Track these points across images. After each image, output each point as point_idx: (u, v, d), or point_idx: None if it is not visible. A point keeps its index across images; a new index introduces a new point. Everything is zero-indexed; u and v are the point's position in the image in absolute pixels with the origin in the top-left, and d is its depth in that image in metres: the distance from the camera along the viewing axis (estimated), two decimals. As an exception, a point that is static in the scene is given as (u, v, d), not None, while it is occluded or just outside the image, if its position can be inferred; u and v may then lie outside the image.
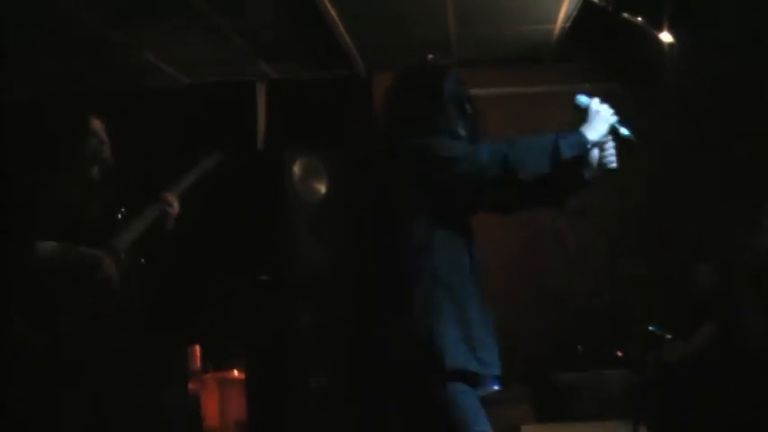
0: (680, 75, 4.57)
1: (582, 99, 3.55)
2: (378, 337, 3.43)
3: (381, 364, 3.43)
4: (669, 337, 5.74)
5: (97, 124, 4.93)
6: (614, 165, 3.48)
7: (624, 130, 3.52)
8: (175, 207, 5.06)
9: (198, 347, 7.07)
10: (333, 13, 5.86)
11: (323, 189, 6.72)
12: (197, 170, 5.19)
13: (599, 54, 4.78)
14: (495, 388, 3.47)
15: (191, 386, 6.87)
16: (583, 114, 3.50)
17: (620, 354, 6.38)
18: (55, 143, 4.92)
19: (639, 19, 4.46)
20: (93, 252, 4.70)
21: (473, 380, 3.33)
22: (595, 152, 3.46)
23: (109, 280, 4.72)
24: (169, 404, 6.48)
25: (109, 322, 4.73)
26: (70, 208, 4.75)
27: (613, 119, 3.47)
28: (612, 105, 3.54)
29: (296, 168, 6.62)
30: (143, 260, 4.99)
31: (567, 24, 5.61)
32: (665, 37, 4.45)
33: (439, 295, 3.29)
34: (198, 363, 7.06)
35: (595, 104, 3.49)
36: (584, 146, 3.39)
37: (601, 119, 3.45)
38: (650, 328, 5.51)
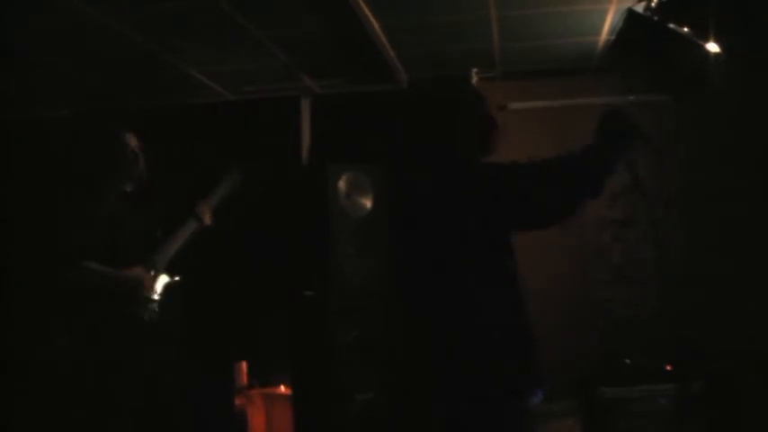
0: (727, 85, 4.51)
1: None
2: (427, 354, 3.41)
3: (432, 380, 3.41)
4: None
5: (133, 141, 4.98)
6: None
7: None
8: (208, 218, 5.16)
9: (244, 364, 7.08)
10: (376, 26, 5.87)
11: (368, 204, 6.71)
12: (220, 189, 5.29)
13: (644, 65, 4.73)
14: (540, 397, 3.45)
15: (237, 402, 6.88)
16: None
17: (668, 367, 6.31)
18: (92, 160, 4.96)
19: (685, 29, 4.41)
20: (134, 275, 4.76)
21: (522, 394, 3.33)
22: None
23: (148, 298, 4.79)
24: (215, 420, 6.50)
25: (151, 337, 4.79)
26: (105, 225, 4.81)
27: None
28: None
29: (341, 183, 6.61)
30: (178, 277, 5.03)
31: (612, 36, 5.57)
32: (712, 47, 4.40)
33: (489, 311, 3.28)
34: (244, 379, 7.07)
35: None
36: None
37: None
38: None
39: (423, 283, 3.44)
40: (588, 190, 3.36)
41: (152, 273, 4.87)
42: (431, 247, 3.43)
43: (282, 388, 7.09)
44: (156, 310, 4.86)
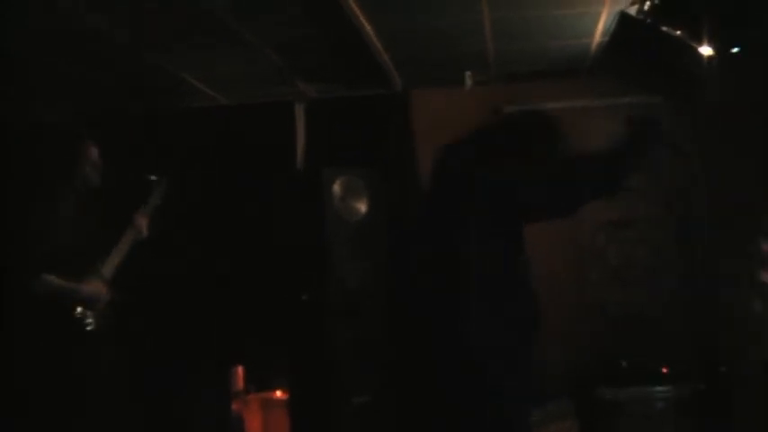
0: (721, 87, 4.53)
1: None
2: (428, 356, 3.44)
3: (432, 383, 3.44)
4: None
5: (92, 150, 4.97)
6: None
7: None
8: (144, 229, 5.17)
9: (240, 369, 7.07)
10: (369, 29, 5.86)
11: (363, 208, 6.70)
12: (152, 199, 5.29)
13: (638, 67, 4.74)
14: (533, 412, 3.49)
15: (234, 407, 6.88)
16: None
17: (664, 370, 6.31)
18: (52, 169, 4.95)
19: (678, 32, 4.42)
20: (96, 289, 4.79)
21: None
22: None
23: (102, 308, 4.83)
24: (212, 426, 6.50)
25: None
26: (62, 236, 4.80)
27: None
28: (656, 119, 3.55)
29: (336, 187, 6.61)
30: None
31: (605, 38, 5.58)
32: (705, 50, 4.42)
33: (487, 320, 3.29)
34: (241, 384, 7.07)
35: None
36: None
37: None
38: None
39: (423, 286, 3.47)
40: (604, 186, 3.42)
41: (105, 286, 4.91)
42: (435, 249, 3.46)
43: (279, 393, 7.08)
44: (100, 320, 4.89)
